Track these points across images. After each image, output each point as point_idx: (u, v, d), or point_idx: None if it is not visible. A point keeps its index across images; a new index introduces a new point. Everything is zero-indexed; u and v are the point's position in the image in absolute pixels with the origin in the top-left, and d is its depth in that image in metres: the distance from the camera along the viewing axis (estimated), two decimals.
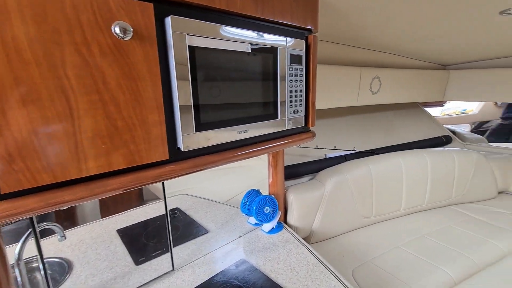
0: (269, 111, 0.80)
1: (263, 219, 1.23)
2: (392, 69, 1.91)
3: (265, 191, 1.37)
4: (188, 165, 0.64)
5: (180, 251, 1.07)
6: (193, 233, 1.15)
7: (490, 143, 2.65)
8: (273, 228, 1.27)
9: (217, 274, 0.98)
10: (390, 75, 1.89)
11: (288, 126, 0.87)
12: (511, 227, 1.64)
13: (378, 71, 1.83)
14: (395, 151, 1.91)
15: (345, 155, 1.79)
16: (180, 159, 0.64)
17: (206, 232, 1.18)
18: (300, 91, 0.89)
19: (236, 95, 0.70)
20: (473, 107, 4.93)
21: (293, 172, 1.60)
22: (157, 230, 1.03)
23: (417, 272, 1.24)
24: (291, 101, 0.86)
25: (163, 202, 0.99)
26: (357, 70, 1.70)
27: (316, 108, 1.02)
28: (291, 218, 1.39)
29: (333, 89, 1.61)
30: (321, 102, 1.56)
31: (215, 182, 1.25)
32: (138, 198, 1.01)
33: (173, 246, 1.04)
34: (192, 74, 0.60)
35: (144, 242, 1.01)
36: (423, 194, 1.83)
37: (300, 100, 0.90)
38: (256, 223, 1.30)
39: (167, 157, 0.60)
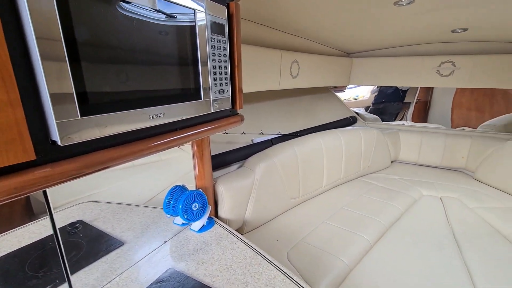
0: (189, 90, 0.65)
1: (191, 217, 1.08)
2: (309, 54, 1.99)
3: (191, 186, 1.21)
4: (74, 166, 0.44)
5: (85, 277, 0.83)
6: (103, 249, 0.91)
7: (382, 122, 3.17)
8: (203, 225, 1.14)
9: None
10: (307, 59, 1.96)
11: (213, 108, 0.74)
12: (402, 189, 1.99)
13: (296, 55, 1.87)
14: (315, 132, 2.03)
15: (271, 139, 1.79)
16: (58, 158, 0.43)
17: (121, 244, 0.95)
18: (225, 67, 0.77)
19: (145, 65, 0.53)
20: (364, 94, 5.85)
21: (221, 161, 1.48)
22: (46, 255, 0.76)
23: (342, 242, 1.35)
24: (215, 79, 0.73)
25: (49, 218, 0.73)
26: (278, 53, 1.68)
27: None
28: (222, 211, 1.29)
29: (256, 71, 1.55)
30: (245, 85, 1.48)
31: (130, 181, 1.03)
32: (24, 213, 0.72)
33: (74, 272, 0.80)
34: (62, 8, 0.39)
35: (27, 275, 0.73)
36: (339, 169, 2.02)
37: (226, 79, 0.78)
38: (183, 223, 1.15)
39: (33, 157, 0.39)
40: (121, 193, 0.98)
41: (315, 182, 1.83)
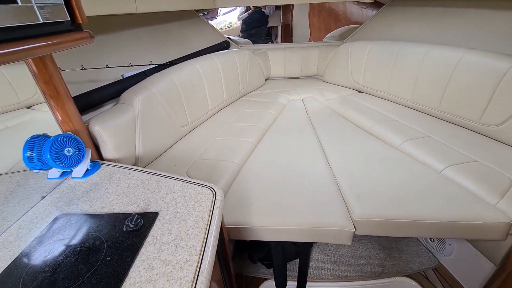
0: None
1: (69, 164, 0.97)
2: None
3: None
4: None
5: None
6: None
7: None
8: (88, 169, 1.06)
9: (24, 250, 0.72)
10: None
11: (42, 18, 0.61)
12: (275, 99, 2.34)
13: None
14: (191, 59, 1.99)
15: (144, 71, 1.65)
16: None
17: None
18: None
19: None
20: (236, 20, 5.89)
21: (88, 103, 1.30)
22: None
23: (233, 149, 1.55)
24: None
25: None
26: None
27: (87, 15, 0.77)
28: (107, 152, 1.20)
29: None
30: (91, 3, 1.22)
31: None
32: None
33: None
34: None
35: None
36: (221, 92, 2.14)
37: None
38: (62, 175, 1.02)
39: None
40: None
41: (201, 107, 1.90)
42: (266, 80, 2.90)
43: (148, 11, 1.66)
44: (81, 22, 0.74)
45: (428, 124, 1.70)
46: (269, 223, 1.11)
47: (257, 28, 5.10)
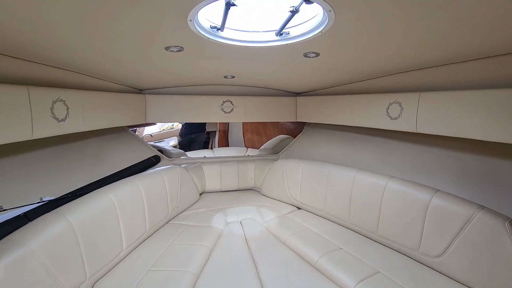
0: None
1: None
2: (87, 91, 1.62)
3: None
4: None
5: None
6: None
7: (188, 153, 3.27)
8: None
9: None
10: (83, 97, 1.57)
11: None
12: (211, 223, 2.05)
13: (61, 92, 1.44)
14: (107, 184, 1.66)
15: (26, 213, 1.22)
16: None
17: None
18: None
19: None
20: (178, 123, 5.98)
21: None
22: None
23: None
24: None
25: None
26: (22, 91, 1.20)
27: None
28: None
29: None
30: None
31: None
32: None
33: None
34: None
35: None
36: (142, 223, 1.75)
37: None
38: None
39: None
40: None
41: (110, 249, 1.46)
42: (201, 194, 2.65)
43: (52, 134, 1.38)
44: None
45: (376, 255, 1.60)
46: None
47: (196, 133, 5.19)
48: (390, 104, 1.72)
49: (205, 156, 2.89)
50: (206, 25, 1.21)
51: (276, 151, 3.11)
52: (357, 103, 1.98)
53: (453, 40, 1.13)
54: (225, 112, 2.58)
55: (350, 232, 1.89)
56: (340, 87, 2.27)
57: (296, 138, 2.94)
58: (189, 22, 1.03)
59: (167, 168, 2.20)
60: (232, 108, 2.58)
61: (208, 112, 2.55)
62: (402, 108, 1.64)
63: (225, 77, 2.18)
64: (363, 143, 2.16)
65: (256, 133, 5.32)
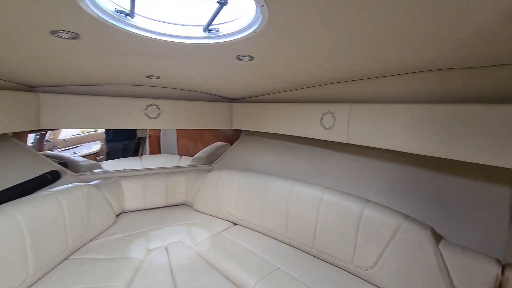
0: None
1: None
2: None
3: None
4: None
5: None
6: None
7: (104, 163, 2.74)
8: None
9: None
10: None
11: None
12: (127, 253, 1.67)
13: None
14: None
15: None
16: None
17: None
18: None
19: None
20: None
21: None
22: None
23: None
24: None
25: None
26: None
27: None
28: None
29: None
30: None
31: None
32: None
33: None
34: None
35: None
36: (22, 266, 1.28)
37: None
38: None
39: None
40: None
41: None
42: (118, 215, 2.21)
43: None
44: None
45: (313, 271, 1.53)
46: None
47: (124, 140, 4.52)
48: (324, 114, 1.70)
49: (124, 169, 2.44)
50: (111, 8, 0.93)
51: (211, 160, 2.87)
52: (293, 111, 1.93)
53: (384, 54, 1.12)
54: (150, 117, 2.22)
55: (287, 248, 1.80)
56: (276, 95, 2.20)
57: (232, 146, 2.76)
58: (79, 0, 0.75)
59: (68, 187, 1.73)
60: (159, 113, 2.25)
61: (129, 118, 2.15)
62: (335, 119, 1.63)
63: (147, 77, 1.86)
64: (299, 152, 2.13)
65: (191, 139, 4.95)
